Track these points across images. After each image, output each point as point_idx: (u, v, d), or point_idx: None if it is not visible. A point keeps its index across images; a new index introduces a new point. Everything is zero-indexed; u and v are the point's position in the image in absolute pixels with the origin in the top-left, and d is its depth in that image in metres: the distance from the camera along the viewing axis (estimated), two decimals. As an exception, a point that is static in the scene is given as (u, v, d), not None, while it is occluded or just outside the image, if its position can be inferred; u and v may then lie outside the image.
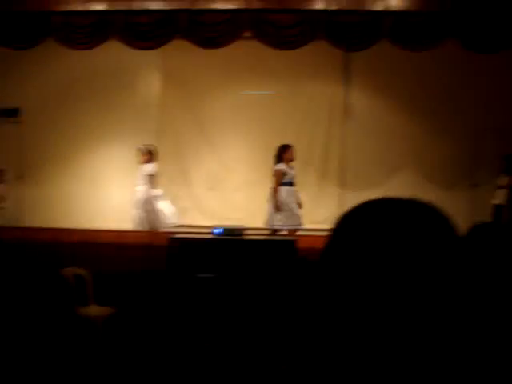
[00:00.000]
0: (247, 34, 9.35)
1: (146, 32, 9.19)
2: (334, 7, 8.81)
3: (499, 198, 9.99)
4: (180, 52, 10.49)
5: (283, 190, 9.22)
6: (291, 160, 9.34)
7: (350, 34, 9.12)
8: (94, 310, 6.80)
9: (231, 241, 8.41)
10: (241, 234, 8.54)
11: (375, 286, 0.89)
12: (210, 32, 9.21)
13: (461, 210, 10.19)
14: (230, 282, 7.35)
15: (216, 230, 8.54)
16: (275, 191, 9.26)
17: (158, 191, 10.05)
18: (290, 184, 9.30)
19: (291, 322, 3.29)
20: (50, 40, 9.43)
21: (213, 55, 10.07)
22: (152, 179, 9.95)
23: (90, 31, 9.26)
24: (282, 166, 9.28)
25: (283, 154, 9.32)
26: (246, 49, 10.23)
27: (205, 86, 11.06)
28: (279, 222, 9.24)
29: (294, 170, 9.37)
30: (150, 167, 9.99)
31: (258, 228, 9.91)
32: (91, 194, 11.07)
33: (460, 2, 8.76)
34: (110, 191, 11.09)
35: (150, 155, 10.01)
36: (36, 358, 2.03)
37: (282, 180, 9.23)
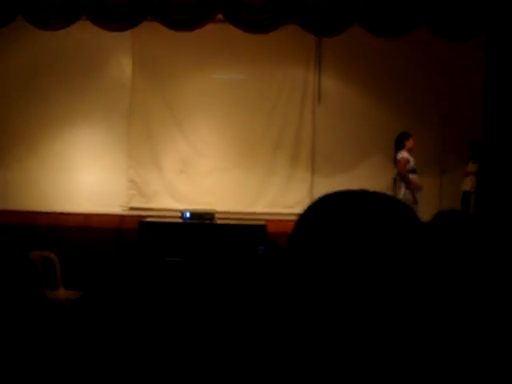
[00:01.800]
0: (219, 17, 9.28)
1: (118, 12, 9.06)
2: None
3: (468, 184, 10.11)
4: (151, 34, 10.38)
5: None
6: (412, 148, 9.35)
7: (323, 18, 9.09)
8: (62, 293, 6.77)
9: (201, 225, 8.41)
10: (211, 219, 8.54)
11: (339, 278, 0.89)
12: (182, 14, 9.12)
13: (430, 196, 10.30)
14: (200, 266, 7.35)
15: (186, 214, 8.53)
16: (407, 179, 9.24)
17: None
18: (413, 172, 9.31)
19: (257, 307, 3.29)
20: (19, 19, 9.25)
21: (185, 38, 9.98)
22: None
23: (61, 10, 9.10)
24: (405, 154, 9.27)
25: (406, 141, 9.33)
26: (218, 32, 10.15)
27: (176, 69, 10.97)
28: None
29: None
30: None
31: (229, 212, 9.92)
32: (60, 177, 10.94)
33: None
34: (80, 175, 10.98)
35: None
36: (4, 341, 2.00)
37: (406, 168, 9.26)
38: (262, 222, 8.67)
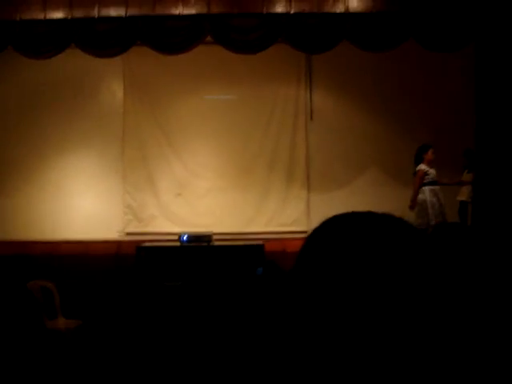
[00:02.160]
0: (209, 39, 9.32)
1: (106, 39, 9.09)
2: (294, 10, 8.82)
3: (464, 194, 10.09)
4: (142, 58, 10.43)
5: (427, 189, 9.39)
6: (432, 160, 9.50)
7: (312, 36, 9.14)
8: (61, 322, 6.72)
9: (199, 247, 8.38)
10: (209, 241, 8.52)
11: (349, 296, 0.90)
12: (171, 37, 9.16)
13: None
14: (199, 289, 7.31)
15: (183, 237, 8.50)
16: (415, 191, 9.44)
17: None
18: (433, 183, 9.43)
19: (258, 327, 3.26)
20: (9, 49, 9.29)
21: (175, 61, 10.01)
22: None
23: (50, 39, 9.13)
24: (423, 166, 9.45)
25: (424, 154, 9.50)
26: (208, 53, 10.20)
27: (168, 92, 11.00)
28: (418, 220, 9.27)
29: (434, 169, 9.51)
30: None
31: (226, 233, 9.90)
32: (56, 204, 10.92)
33: (418, 2, 8.86)
34: (76, 201, 10.96)
35: None
36: (6, 371, 1.99)
37: (423, 180, 9.41)
38: (260, 242, 8.65)
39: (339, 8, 8.85)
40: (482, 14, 8.90)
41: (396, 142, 10.87)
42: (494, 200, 9.04)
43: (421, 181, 9.39)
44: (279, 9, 8.86)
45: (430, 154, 9.48)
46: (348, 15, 8.91)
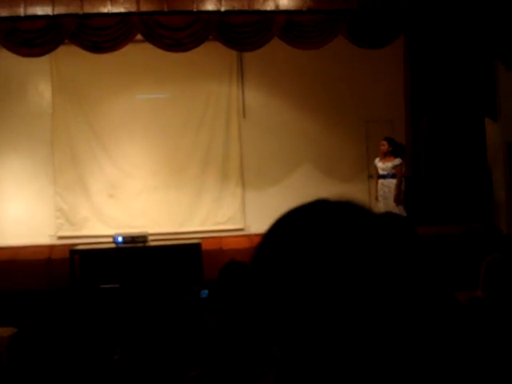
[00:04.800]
0: (139, 37, 9.21)
1: (32, 39, 8.86)
2: (224, 8, 8.82)
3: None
4: (70, 58, 10.21)
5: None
6: (382, 152, 9.42)
7: (242, 34, 9.17)
8: (-6, 330, 6.52)
9: (135, 248, 8.28)
10: (144, 241, 8.42)
11: (313, 288, 0.89)
12: (100, 36, 9.00)
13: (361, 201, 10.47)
14: (136, 291, 7.22)
15: (118, 239, 8.38)
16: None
17: None
18: (381, 177, 9.40)
19: (199, 329, 3.24)
20: None
21: (105, 59, 9.85)
22: None
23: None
24: (375, 160, 9.54)
25: None
26: (139, 52, 10.08)
27: (98, 92, 10.81)
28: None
29: (390, 162, 9.38)
30: None
31: (162, 233, 9.81)
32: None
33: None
34: (4, 205, 10.65)
35: None
36: None
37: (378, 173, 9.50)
38: (197, 241, 8.61)
39: (269, 5, 8.91)
40: (409, 5, 9.12)
41: (328, 138, 11.01)
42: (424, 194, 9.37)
43: (376, 174, 9.49)
44: (210, 6, 8.84)
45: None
46: (278, 12, 8.97)
